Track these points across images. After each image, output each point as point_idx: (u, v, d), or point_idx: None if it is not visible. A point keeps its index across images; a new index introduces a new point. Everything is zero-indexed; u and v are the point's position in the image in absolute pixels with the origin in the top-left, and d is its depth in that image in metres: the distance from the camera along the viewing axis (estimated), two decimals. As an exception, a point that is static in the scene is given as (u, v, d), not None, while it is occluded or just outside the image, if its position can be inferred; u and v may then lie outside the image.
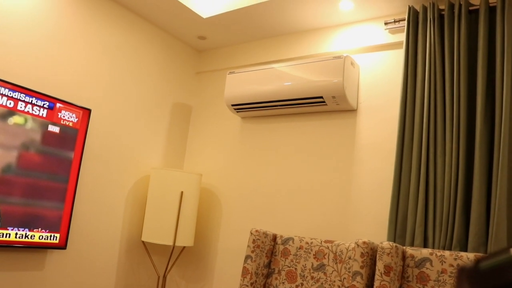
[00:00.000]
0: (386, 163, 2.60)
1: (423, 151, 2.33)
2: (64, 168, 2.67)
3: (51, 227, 2.60)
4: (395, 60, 2.71)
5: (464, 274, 0.44)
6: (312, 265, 2.44)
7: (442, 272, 2.03)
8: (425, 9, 2.50)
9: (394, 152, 2.55)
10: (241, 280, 2.48)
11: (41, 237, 2.55)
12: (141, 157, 3.26)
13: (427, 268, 2.07)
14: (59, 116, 2.64)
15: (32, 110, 2.51)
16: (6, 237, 2.40)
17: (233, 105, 3.11)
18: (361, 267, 2.09)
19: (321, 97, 2.71)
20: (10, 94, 2.41)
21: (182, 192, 3.00)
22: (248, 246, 2.53)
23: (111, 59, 3.06)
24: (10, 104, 2.42)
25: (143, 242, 3.22)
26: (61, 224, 2.65)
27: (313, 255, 2.46)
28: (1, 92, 2.38)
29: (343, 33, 2.95)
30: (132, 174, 3.19)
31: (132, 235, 3.17)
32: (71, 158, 2.70)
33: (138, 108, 3.24)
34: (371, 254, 2.15)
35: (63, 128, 2.67)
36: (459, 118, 2.26)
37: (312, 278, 2.41)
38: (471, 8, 2.36)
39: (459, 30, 2.35)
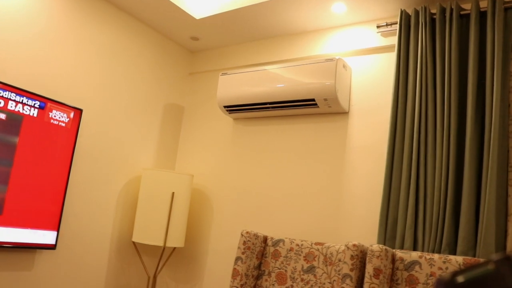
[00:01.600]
0: (377, 165, 2.61)
1: (414, 154, 2.34)
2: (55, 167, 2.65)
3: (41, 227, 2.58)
4: (387, 63, 2.72)
5: (441, 286, 0.45)
6: (302, 267, 2.44)
7: (431, 275, 2.04)
8: (417, 13, 2.52)
9: (385, 155, 2.57)
10: (231, 281, 2.47)
11: (30, 238, 2.54)
12: (133, 158, 3.24)
13: (416, 271, 2.08)
14: (50, 116, 2.63)
15: (23, 109, 2.50)
16: (-6, 237, 2.38)
17: (225, 106, 3.11)
18: (351, 270, 2.10)
19: (313, 100, 2.72)
20: (0, 93, 2.39)
21: (173, 193, 2.99)
22: (239, 247, 2.53)
23: (103, 59, 3.04)
24: (0, 103, 2.40)
25: (133, 242, 3.21)
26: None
27: (304, 257, 2.46)
28: (-9, 91, 2.36)
29: (335, 35, 2.96)
30: (123, 175, 3.17)
31: (122, 235, 3.15)
32: (62, 158, 2.69)
33: (130, 108, 3.23)
34: (361, 257, 2.16)
35: (54, 127, 2.65)
36: (449, 121, 2.27)
37: (302, 280, 2.41)
38: (462, 12, 2.38)
39: (450, 34, 2.36)
